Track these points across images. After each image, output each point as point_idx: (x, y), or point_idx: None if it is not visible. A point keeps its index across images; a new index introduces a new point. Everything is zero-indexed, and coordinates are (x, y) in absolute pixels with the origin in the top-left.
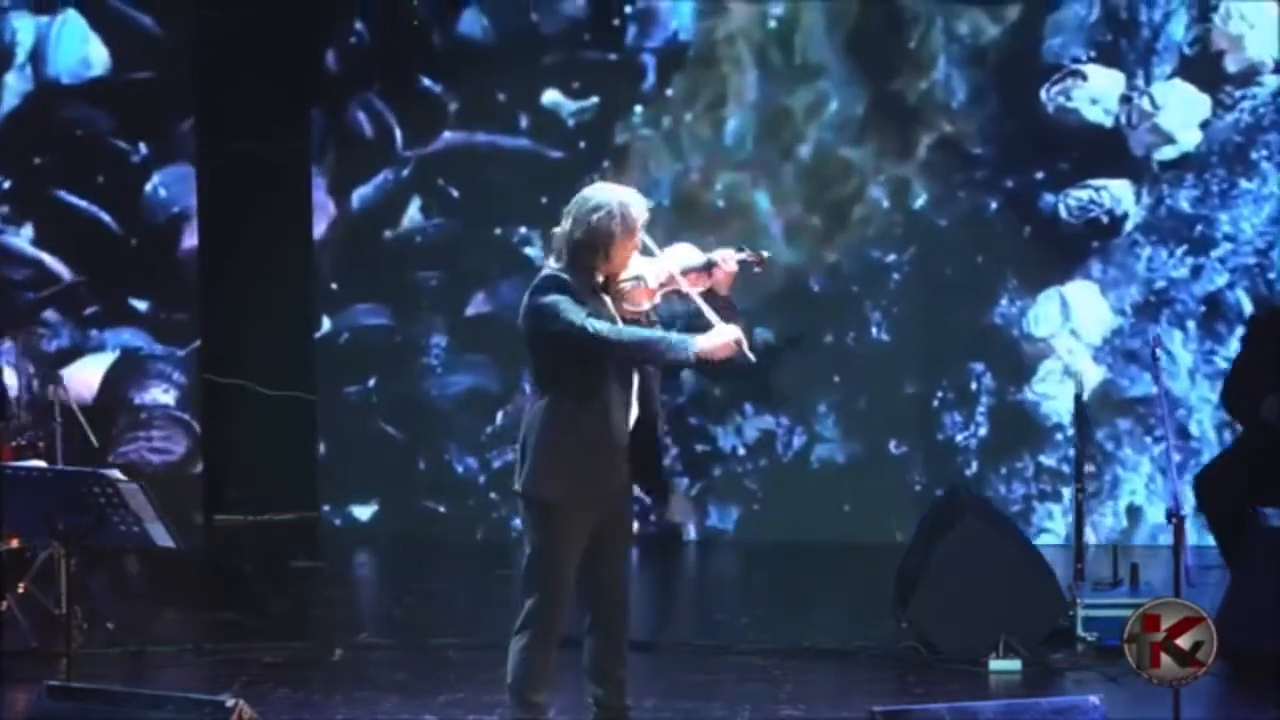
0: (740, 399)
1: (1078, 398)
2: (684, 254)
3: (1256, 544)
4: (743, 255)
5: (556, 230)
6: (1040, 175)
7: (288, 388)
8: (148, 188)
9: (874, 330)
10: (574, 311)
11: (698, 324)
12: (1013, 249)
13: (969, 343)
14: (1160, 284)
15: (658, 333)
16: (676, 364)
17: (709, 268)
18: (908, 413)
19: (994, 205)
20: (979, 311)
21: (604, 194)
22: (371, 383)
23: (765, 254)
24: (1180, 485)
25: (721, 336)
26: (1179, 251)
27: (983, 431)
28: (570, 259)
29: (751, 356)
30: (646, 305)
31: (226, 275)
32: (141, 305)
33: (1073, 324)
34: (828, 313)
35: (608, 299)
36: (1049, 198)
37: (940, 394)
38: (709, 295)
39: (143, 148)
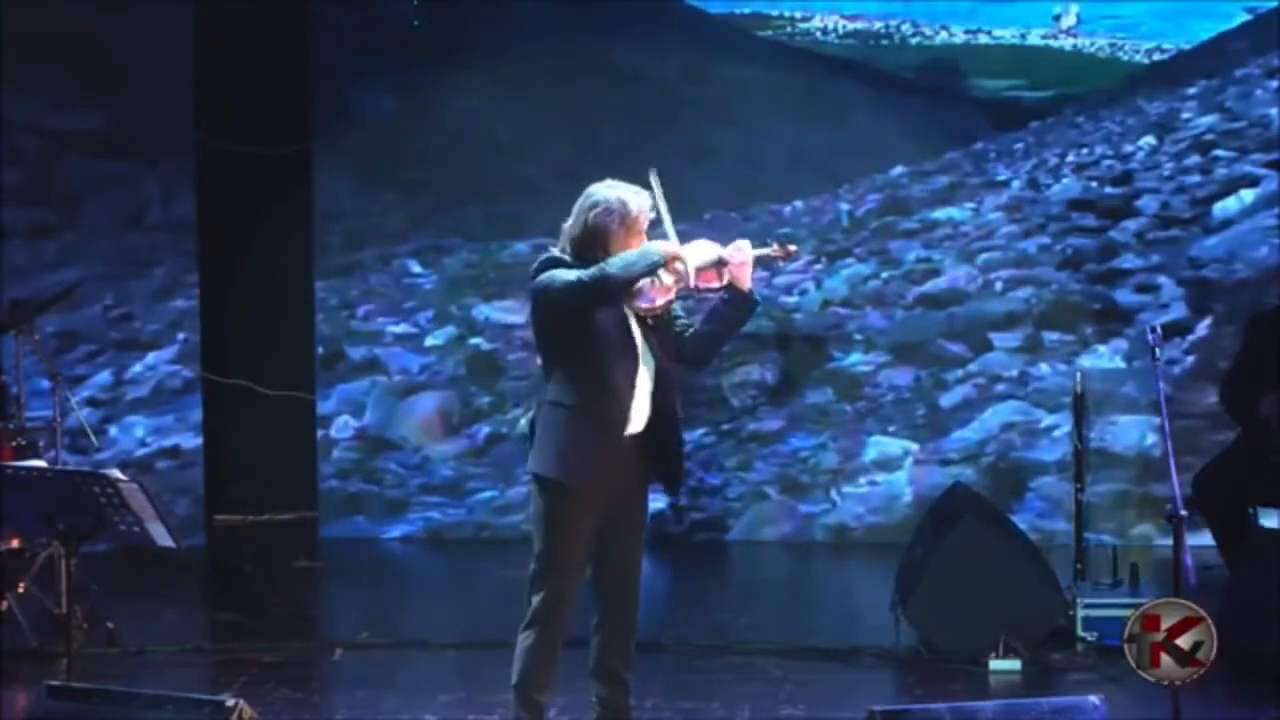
0: None
1: (1078, 395)
2: (700, 250)
3: (1256, 544)
4: (766, 250)
5: (565, 225)
6: None
7: (288, 388)
8: None
9: None
10: (565, 274)
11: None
12: None
13: None
14: None
15: (625, 253)
16: (652, 270)
17: (721, 264)
18: None
19: None
20: None
21: (605, 191)
22: None
23: (793, 247)
24: (1180, 485)
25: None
26: None
27: None
28: (574, 255)
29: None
30: (661, 303)
31: (228, 277)
32: None
33: None
34: None
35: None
36: None
37: None
38: (730, 289)
39: None
